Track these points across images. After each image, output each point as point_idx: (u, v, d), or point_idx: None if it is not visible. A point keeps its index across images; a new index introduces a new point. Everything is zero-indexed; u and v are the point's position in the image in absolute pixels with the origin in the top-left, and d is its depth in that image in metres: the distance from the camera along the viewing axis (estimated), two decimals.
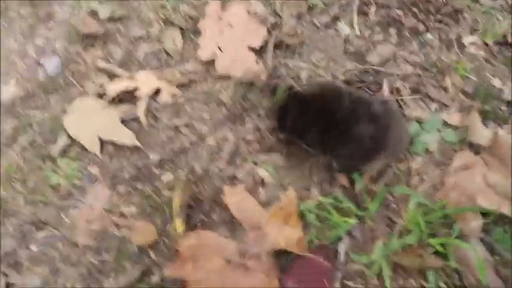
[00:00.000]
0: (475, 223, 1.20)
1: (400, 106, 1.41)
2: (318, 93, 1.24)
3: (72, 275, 1.30)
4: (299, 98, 1.26)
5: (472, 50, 1.49)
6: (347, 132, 1.19)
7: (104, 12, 1.68)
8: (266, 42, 1.52)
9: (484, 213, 1.21)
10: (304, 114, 1.23)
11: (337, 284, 1.20)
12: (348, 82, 1.44)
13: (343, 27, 1.55)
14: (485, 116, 1.38)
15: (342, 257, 1.23)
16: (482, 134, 1.34)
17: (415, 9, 1.55)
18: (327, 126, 1.21)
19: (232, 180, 1.36)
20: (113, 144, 1.46)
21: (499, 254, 1.19)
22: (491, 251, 1.19)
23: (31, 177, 1.43)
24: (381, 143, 1.19)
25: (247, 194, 1.29)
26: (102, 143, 1.46)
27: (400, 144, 1.26)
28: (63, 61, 1.64)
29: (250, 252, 1.20)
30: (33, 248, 1.34)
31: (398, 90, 1.42)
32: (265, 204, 1.31)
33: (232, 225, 1.30)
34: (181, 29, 1.60)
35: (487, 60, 1.47)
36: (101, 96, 1.52)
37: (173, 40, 1.58)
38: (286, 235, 1.22)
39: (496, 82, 1.43)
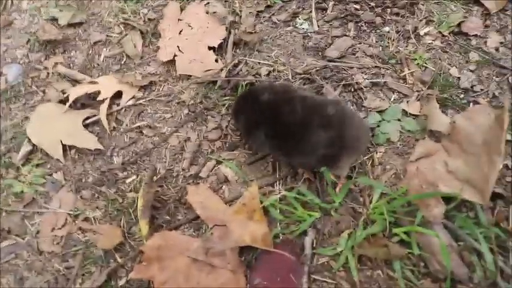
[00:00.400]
0: (438, 210, 1.21)
1: (360, 98, 1.42)
2: (270, 97, 1.24)
3: (38, 283, 1.28)
4: (251, 99, 1.26)
5: (428, 40, 1.51)
6: (301, 139, 1.20)
7: (64, 18, 1.67)
8: (225, 41, 1.52)
9: (447, 200, 1.22)
10: (255, 119, 1.25)
11: (304, 278, 1.19)
12: (307, 78, 1.44)
13: (302, 24, 1.56)
14: (443, 104, 1.40)
15: (308, 250, 1.23)
16: (441, 121, 1.35)
17: (372, 3, 1.58)
18: (278, 132, 1.22)
19: (196, 179, 1.36)
20: (76, 149, 1.45)
21: (463, 240, 1.20)
22: (455, 237, 1.20)
23: None
24: (338, 147, 1.20)
25: (210, 193, 1.29)
26: (65, 148, 1.45)
27: (358, 144, 1.25)
28: (24, 69, 1.62)
29: (215, 250, 1.20)
30: None
31: (357, 83, 1.43)
32: (229, 202, 1.31)
33: (197, 224, 1.30)
34: (141, 32, 1.59)
35: (443, 50, 1.49)
36: (63, 102, 1.51)
37: (133, 43, 1.57)
38: (251, 231, 1.22)
39: (453, 71, 1.45)
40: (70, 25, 1.67)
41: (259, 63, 1.49)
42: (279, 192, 1.29)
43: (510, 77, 1.43)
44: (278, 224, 1.27)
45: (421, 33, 1.52)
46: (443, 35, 1.52)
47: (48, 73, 1.59)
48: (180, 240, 1.24)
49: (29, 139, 1.46)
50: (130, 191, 1.37)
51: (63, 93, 1.53)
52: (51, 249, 1.31)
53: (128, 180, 1.39)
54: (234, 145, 1.38)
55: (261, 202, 1.25)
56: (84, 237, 1.33)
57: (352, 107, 1.40)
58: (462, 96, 1.42)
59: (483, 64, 1.45)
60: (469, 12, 1.54)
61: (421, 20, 1.54)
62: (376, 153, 1.35)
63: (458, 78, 1.44)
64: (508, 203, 1.27)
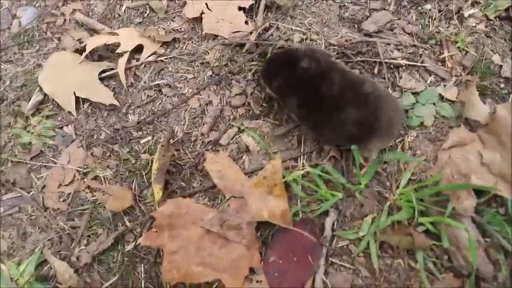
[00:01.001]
0: (469, 202, 1.15)
1: (395, 77, 1.34)
2: (309, 65, 1.16)
3: (42, 240, 1.22)
4: (289, 61, 1.18)
5: (472, 23, 1.42)
6: (332, 114, 1.13)
7: None
8: (257, 2, 1.43)
9: (477, 193, 1.16)
10: (289, 81, 1.17)
11: (322, 261, 1.14)
12: (341, 52, 1.36)
13: None
14: (483, 92, 1.32)
15: (327, 232, 1.17)
16: (479, 110, 1.28)
17: None
18: (311, 102, 1.16)
19: (216, 146, 1.29)
20: (90, 102, 1.37)
21: (491, 236, 1.14)
22: (483, 233, 1.14)
23: (0, 134, 1.34)
24: (368, 128, 1.14)
25: (230, 161, 1.22)
26: (78, 101, 1.38)
27: (391, 127, 1.18)
28: (39, 13, 1.54)
29: (230, 223, 1.14)
30: (0, 210, 1.26)
31: (393, 61, 1.35)
32: (249, 173, 1.24)
33: (213, 194, 1.24)
34: None
35: (487, 35, 1.40)
36: (79, 51, 1.43)
37: None
38: (270, 206, 1.15)
39: (495, 58, 1.37)
40: None
41: (291, 29, 1.40)
42: (303, 168, 1.22)
43: None
44: (299, 201, 1.20)
45: (465, 14, 1.43)
46: (488, 19, 1.42)
47: (65, 20, 1.51)
48: (194, 209, 1.17)
49: (41, 88, 1.39)
50: (145, 152, 1.29)
51: (80, 42, 1.44)
52: (56, 206, 1.25)
53: (142, 141, 1.31)
54: (258, 114, 1.30)
55: (283, 177, 1.18)
56: (93, 196, 1.26)
57: (386, 87, 1.31)
58: (503, 85, 1.34)
59: None
60: None
61: (466, 1, 1.45)
62: (408, 136, 1.28)
63: (500, 66, 1.36)
64: None
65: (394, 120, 1.17)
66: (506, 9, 1.42)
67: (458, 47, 1.38)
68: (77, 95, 1.37)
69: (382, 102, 1.14)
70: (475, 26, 1.42)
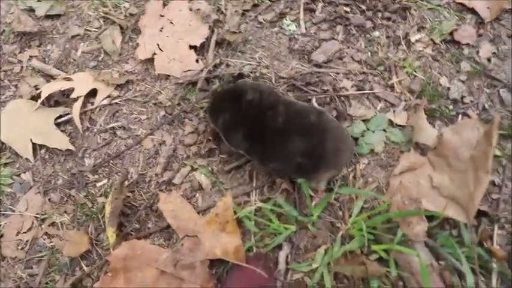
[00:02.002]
0: (420, 228, 1.16)
1: (345, 106, 1.36)
2: (253, 97, 1.18)
3: None
4: (233, 96, 1.20)
5: (419, 47, 1.45)
6: (278, 145, 1.14)
7: (41, 9, 1.60)
8: (208, 40, 1.46)
9: (430, 216, 1.17)
10: (235, 114, 1.19)
11: None
12: (292, 84, 1.38)
13: (289, 25, 1.49)
14: (431, 115, 1.35)
15: (281, 265, 1.18)
16: (428, 134, 1.30)
17: (362, 6, 1.51)
18: (257, 134, 1.17)
19: (169, 185, 1.30)
20: (47, 148, 1.39)
21: (445, 259, 1.16)
22: (437, 256, 1.16)
23: None
24: (316, 158, 1.14)
25: (183, 201, 1.23)
26: (35, 147, 1.39)
27: (339, 157, 1.19)
28: None
29: (184, 262, 1.14)
30: None
31: (343, 90, 1.38)
32: (203, 211, 1.25)
33: (169, 234, 1.25)
34: (121, 27, 1.53)
35: (434, 58, 1.43)
36: (35, 98, 1.44)
37: (112, 39, 1.51)
38: (223, 243, 1.16)
39: (443, 80, 1.40)
40: (47, 17, 1.60)
41: (241, 65, 1.43)
42: (255, 203, 1.23)
43: (501, 89, 1.37)
44: (252, 236, 1.21)
45: (412, 39, 1.46)
46: (434, 43, 1.46)
47: (22, 67, 1.52)
48: (149, 250, 1.18)
49: None
50: (101, 195, 1.31)
51: (36, 89, 1.46)
52: (14, 255, 1.26)
53: (98, 184, 1.32)
54: (210, 151, 1.32)
55: (235, 213, 1.19)
56: (50, 242, 1.27)
57: (335, 115, 1.33)
58: (451, 107, 1.37)
59: (474, 75, 1.40)
60: (463, 20, 1.48)
61: (412, 26, 1.48)
62: (359, 164, 1.29)
63: (448, 88, 1.39)
64: (493, 222, 1.22)
65: (342, 150, 1.18)
66: (451, 33, 1.46)
67: (407, 72, 1.41)
68: (33, 141, 1.38)
69: (329, 132, 1.16)
70: (422, 50, 1.45)
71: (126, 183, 1.29)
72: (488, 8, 1.47)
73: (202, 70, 1.41)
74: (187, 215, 1.21)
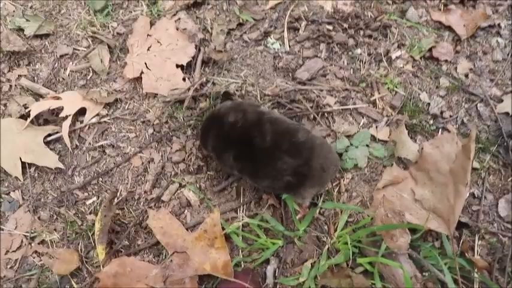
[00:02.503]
0: (403, 240, 1.19)
1: (329, 122, 1.40)
2: (238, 119, 1.20)
3: None
4: (221, 117, 1.22)
5: (400, 64, 1.50)
6: (267, 164, 1.17)
7: (30, 29, 1.62)
8: (194, 59, 1.49)
9: (413, 229, 1.21)
10: (223, 137, 1.21)
11: None
12: (276, 101, 1.42)
13: (273, 43, 1.53)
14: (413, 130, 1.39)
15: (269, 280, 1.21)
16: (409, 148, 1.35)
17: (345, 25, 1.56)
18: (246, 153, 1.18)
19: (158, 202, 1.32)
20: (36, 167, 1.40)
21: (428, 270, 1.19)
22: (420, 267, 1.19)
23: None
24: (302, 176, 1.17)
25: (171, 217, 1.25)
26: (25, 166, 1.40)
27: (324, 175, 1.21)
28: None
29: (173, 278, 1.16)
30: None
31: (327, 105, 1.42)
32: (191, 227, 1.28)
33: (158, 250, 1.27)
34: (109, 46, 1.55)
35: (414, 74, 1.48)
36: (24, 117, 1.46)
37: (100, 58, 1.53)
38: (212, 259, 1.19)
39: (423, 96, 1.44)
40: (36, 36, 1.62)
41: (227, 83, 1.46)
42: (242, 219, 1.26)
43: (479, 104, 1.42)
44: (240, 251, 1.24)
45: (393, 56, 1.51)
46: (414, 60, 1.50)
47: (10, 86, 1.54)
48: (138, 267, 1.20)
49: None
50: (90, 213, 1.32)
51: (25, 107, 1.47)
52: (3, 274, 1.26)
53: (88, 202, 1.34)
54: (198, 168, 1.35)
55: (223, 229, 1.22)
56: (40, 261, 1.28)
57: (320, 132, 1.37)
58: (431, 122, 1.41)
59: (453, 90, 1.45)
60: (440, 38, 1.53)
61: (393, 44, 1.53)
62: (343, 179, 1.33)
63: (428, 104, 1.44)
64: (474, 233, 1.26)
65: (327, 167, 1.21)
66: (430, 50, 1.51)
67: (388, 88, 1.46)
68: (23, 160, 1.39)
69: (315, 150, 1.18)
70: (403, 67, 1.50)
71: (116, 200, 1.31)
72: (464, 25, 1.52)
73: (189, 88, 1.44)
74: (176, 232, 1.23)
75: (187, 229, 1.25)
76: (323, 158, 1.19)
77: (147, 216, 1.25)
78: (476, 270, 1.20)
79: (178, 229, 1.24)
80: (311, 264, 1.21)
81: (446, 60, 1.49)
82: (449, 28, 1.54)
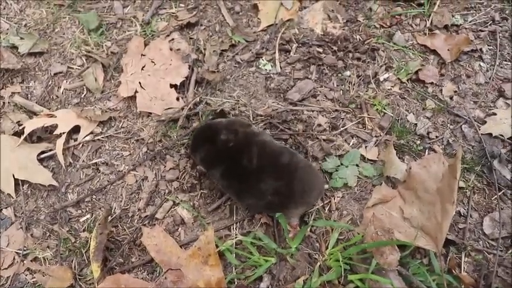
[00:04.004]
0: (393, 257, 1.22)
1: (319, 142, 1.43)
2: (227, 137, 1.24)
3: None
4: (214, 133, 1.26)
5: (387, 86, 1.54)
6: (252, 183, 1.20)
7: (24, 47, 1.64)
8: (188, 79, 1.52)
9: (402, 246, 1.24)
10: (213, 153, 1.25)
11: None
12: (268, 122, 1.46)
13: (265, 64, 1.57)
14: (401, 150, 1.43)
15: None
16: (398, 168, 1.38)
17: (334, 47, 1.60)
18: (232, 172, 1.23)
19: (152, 220, 1.34)
20: (29, 184, 1.41)
21: (417, 287, 1.21)
22: (409, 284, 1.21)
23: None
24: (285, 197, 1.21)
25: (166, 235, 1.27)
26: (18, 182, 1.41)
27: (307, 197, 1.25)
28: None
29: None
30: None
31: (318, 126, 1.45)
32: (185, 245, 1.29)
33: (152, 268, 1.28)
34: (103, 65, 1.57)
35: (401, 96, 1.53)
36: (18, 134, 1.46)
37: (95, 77, 1.55)
38: (206, 276, 1.20)
39: (410, 117, 1.49)
40: (30, 54, 1.63)
41: (220, 103, 1.49)
42: (235, 236, 1.28)
43: (463, 125, 1.47)
44: (234, 268, 1.26)
45: (381, 78, 1.56)
46: (401, 82, 1.55)
47: (4, 103, 1.55)
48: (133, 284, 1.21)
49: None
50: (84, 230, 1.33)
51: (19, 125, 1.48)
52: None
53: (81, 219, 1.35)
54: (192, 186, 1.37)
55: (217, 246, 1.23)
56: (32, 278, 1.28)
57: (311, 151, 1.40)
58: (419, 142, 1.45)
59: (438, 112, 1.49)
60: (426, 61, 1.59)
61: (381, 66, 1.58)
62: (334, 198, 1.36)
63: (415, 124, 1.48)
64: (461, 250, 1.29)
65: (310, 190, 1.25)
66: (416, 73, 1.56)
67: (377, 109, 1.50)
68: (16, 177, 1.40)
69: (298, 173, 1.22)
70: (391, 89, 1.55)
71: (110, 218, 1.32)
72: (448, 50, 1.58)
73: (182, 108, 1.46)
74: (170, 249, 1.25)
75: (181, 246, 1.27)
76: (306, 180, 1.23)
77: (141, 234, 1.26)
78: (463, 286, 1.23)
79: (172, 247, 1.25)
80: (303, 281, 1.23)
81: (432, 83, 1.54)
82: (434, 52, 1.60)
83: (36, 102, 1.54)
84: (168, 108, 1.47)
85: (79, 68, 1.60)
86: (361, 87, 1.55)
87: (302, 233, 1.27)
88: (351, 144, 1.45)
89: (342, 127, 1.47)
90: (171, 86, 1.51)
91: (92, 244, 1.25)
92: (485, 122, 1.47)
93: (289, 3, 1.68)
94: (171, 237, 1.27)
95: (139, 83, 1.52)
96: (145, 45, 1.60)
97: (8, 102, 1.55)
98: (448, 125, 1.48)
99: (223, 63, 1.58)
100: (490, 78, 1.55)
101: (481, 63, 1.58)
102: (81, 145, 1.46)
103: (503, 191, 1.36)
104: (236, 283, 1.24)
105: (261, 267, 1.23)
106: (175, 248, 1.25)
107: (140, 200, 1.36)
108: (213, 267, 1.22)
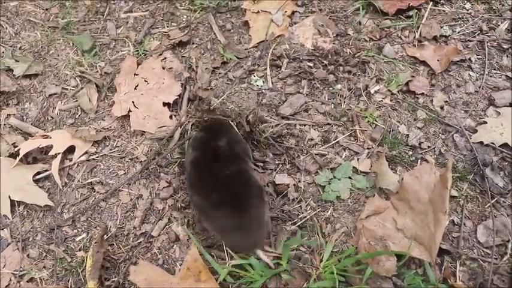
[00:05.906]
0: (390, 263, 1.23)
1: (312, 155, 1.44)
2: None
3: None
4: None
5: (378, 98, 1.56)
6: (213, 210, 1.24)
7: (19, 69, 1.66)
8: (180, 97, 1.54)
9: (397, 257, 1.24)
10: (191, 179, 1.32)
11: None
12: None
13: (257, 80, 1.59)
14: (393, 161, 1.44)
15: None
16: (390, 179, 1.39)
17: (325, 61, 1.62)
18: (203, 195, 1.26)
19: (147, 238, 1.34)
20: (25, 205, 1.42)
21: None
22: None
23: None
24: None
25: (152, 266, 1.27)
26: (14, 203, 1.42)
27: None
28: None
29: None
30: None
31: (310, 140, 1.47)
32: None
33: None
34: (97, 85, 1.60)
35: (392, 108, 1.54)
36: (13, 155, 1.48)
37: (89, 97, 1.57)
38: None
39: (402, 128, 1.50)
40: (26, 76, 1.66)
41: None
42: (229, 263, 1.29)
43: (455, 134, 1.49)
44: (230, 286, 1.26)
45: (372, 91, 1.57)
46: (392, 93, 1.57)
47: None
48: None
49: None
50: (80, 249, 1.34)
51: (15, 146, 1.50)
52: None
53: (77, 239, 1.36)
54: (185, 203, 1.38)
55: (215, 273, 1.24)
56: None
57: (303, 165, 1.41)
58: (411, 153, 1.47)
59: (430, 122, 1.51)
60: (416, 72, 1.61)
61: (371, 79, 1.60)
62: (327, 211, 1.37)
63: (407, 135, 1.49)
64: (455, 259, 1.30)
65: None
66: (407, 84, 1.57)
67: (368, 121, 1.51)
68: (12, 198, 1.41)
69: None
70: (382, 101, 1.56)
71: (105, 236, 1.33)
72: (438, 60, 1.60)
73: (176, 126, 1.48)
74: (161, 279, 1.25)
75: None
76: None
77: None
78: None
79: (162, 276, 1.25)
80: None
81: (422, 93, 1.56)
82: (424, 63, 1.61)
83: (31, 124, 1.56)
84: (162, 127, 1.49)
85: (73, 88, 1.62)
86: (352, 100, 1.57)
87: (286, 253, 1.26)
88: (343, 157, 1.46)
89: (334, 140, 1.48)
90: (164, 104, 1.53)
91: (88, 262, 1.25)
92: (477, 130, 1.48)
93: (280, 19, 1.70)
94: (158, 267, 1.28)
95: (133, 102, 1.53)
96: (138, 64, 1.62)
97: (4, 125, 1.57)
98: (440, 134, 1.49)
99: (216, 80, 1.60)
100: (479, 87, 1.56)
101: (471, 73, 1.60)
102: (76, 165, 1.47)
103: (496, 198, 1.37)
104: None
105: (257, 282, 1.23)
106: (165, 277, 1.25)
107: (135, 218, 1.37)
108: (207, 282, 1.22)
